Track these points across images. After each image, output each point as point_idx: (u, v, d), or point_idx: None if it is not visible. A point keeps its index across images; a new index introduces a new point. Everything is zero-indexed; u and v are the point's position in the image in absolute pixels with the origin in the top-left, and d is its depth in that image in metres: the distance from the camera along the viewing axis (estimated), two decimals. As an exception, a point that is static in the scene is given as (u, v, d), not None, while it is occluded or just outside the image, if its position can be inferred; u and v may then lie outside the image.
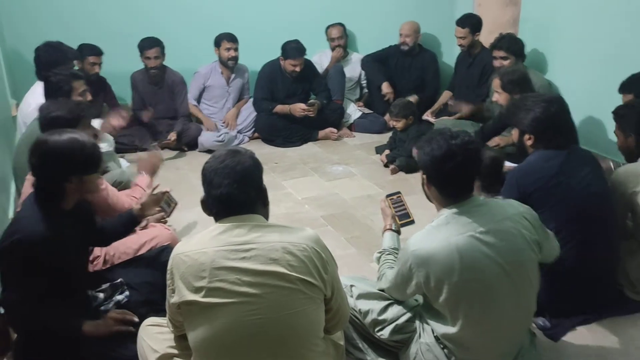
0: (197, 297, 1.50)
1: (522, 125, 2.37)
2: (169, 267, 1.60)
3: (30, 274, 1.84)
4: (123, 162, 3.62)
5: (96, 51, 4.21)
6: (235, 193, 1.58)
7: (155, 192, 2.38)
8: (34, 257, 1.82)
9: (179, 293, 1.54)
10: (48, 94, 2.97)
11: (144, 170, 2.81)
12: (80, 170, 1.91)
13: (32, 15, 4.54)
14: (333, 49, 5.02)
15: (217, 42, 4.56)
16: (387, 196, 2.34)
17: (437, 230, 1.76)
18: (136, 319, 2.00)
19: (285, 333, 1.52)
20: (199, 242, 1.57)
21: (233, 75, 4.71)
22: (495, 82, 3.38)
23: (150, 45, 4.36)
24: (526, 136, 2.36)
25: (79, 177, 1.91)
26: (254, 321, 1.49)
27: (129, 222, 2.32)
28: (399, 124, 4.09)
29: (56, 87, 2.91)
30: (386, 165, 4.06)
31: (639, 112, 2.48)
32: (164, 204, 2.39)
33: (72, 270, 2.03)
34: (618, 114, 2.54)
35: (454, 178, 1.77)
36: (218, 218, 1.61)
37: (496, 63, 3.96)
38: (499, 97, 3.38)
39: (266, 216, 1.68)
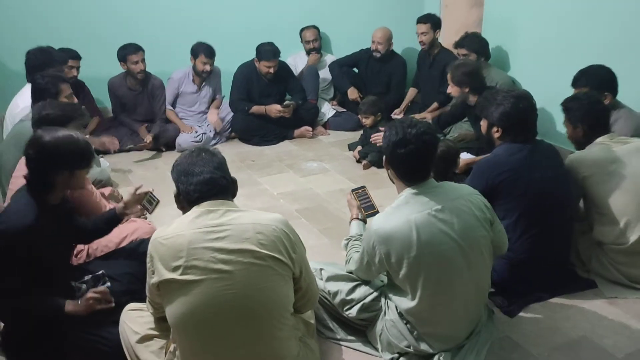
0: (175, 275, 1.62)
1: (492, 118, 2.49)
2: (148, 250, 1.72)
3: (12, 265, 1.93)
4: (103, 162, 3.72)
5: (74, 54, 4.28)
6: (216, 178, 1.76)
7: (138, 192, 2.47)
8: (20, 246, 1.91)
9: (158, 273, 1.66)
10: (35, 96, 3.05)
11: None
12: (72, 164, 2.04)
13: (11, 19, 4.60)
14: (307, 51, 5.16)
15: (195, 53, 4.61)
16: (353, 190, 2.51)
17: (397, 210, 1.91)
18: (112, 303, 2.09)
19: (256, 307, 1.65)
20: (177, 226, 1.70)
21: (204, 82, 4.81)
22: (448, 76, 3.53)
23: (135, 49, 4.42)
24: (494, 129, 2.50)
25: (70, 172, 2.04)
26: (228, 296, 1.62)
27: (112, 220, 2.43)
28: (368, 121, 4.24)
29: (43, 89, 2.99)
30: (359, 161, 4.20)
31: (586, 104, 2.63)
32: (146, 202, 2.49)
33: (55, 263, 2.12)
34: (566, 106, 2.69)
35: (407, 162, 1.93)
36: (195, 204, 1.74)
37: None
38: (451, 89, 3.54)
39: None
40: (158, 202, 2.52)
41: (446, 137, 4.01)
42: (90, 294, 2.09)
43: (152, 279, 1.70)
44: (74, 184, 2.12)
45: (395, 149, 1.92)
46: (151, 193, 2.49)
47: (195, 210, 1.72)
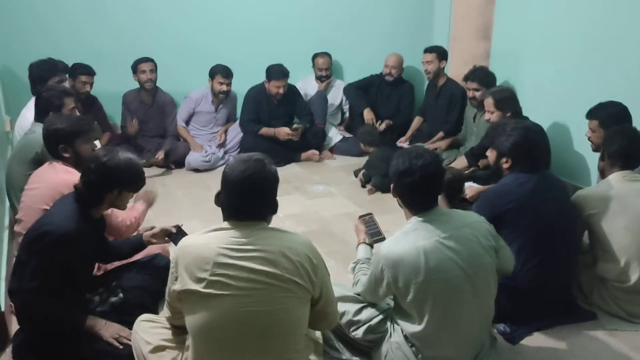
0: (199, 287, 1.67)
1: (502, 148, 2.54)
2: (174, 257, 1.76)
3: (50, 265, 2.02)
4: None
5: (88, 70, 4.36)
6: (251, 206, 1.76)
7: (169, 226, 2.52)
8: (60, 249, 2.01)
9: (182, 281, 1.71)
10: (39, 109, 3.10)
11: (142, 199, 2.96)
12: (125, 185, 2.18)
13: (25, 35, 4.71)
14: (319, 77, 5.27)
15: (212, 74, 4.76)
16: (360, 217, 2.58)
17: (406, 236, 1.97)
18: (131, 343, 2.09)
19: (273, 326, 1.70)
20: (205, 238, 1.75)
21: (222, 104, 4.92)
22: (488, 102, 3.55)
23: (146, 59, 4.58)
24: (504, 159, 2.55)
25: (120, 192, 2.18)
26: (247, 313, 1.67)
27: (136, 247, 2.51)
28: (369, 149, 4.40)
29: (48, 103, 3.05)
30: (364, 186, 4.27)
31: (621, 134, 2.64)
32: (177, 235, 2.49)
33: (82, 274, 2.21)
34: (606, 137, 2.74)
35: (412, 192, 2.01)
36: (227, 219, 1.78)
37: (469, 94, 4.22)
38: (491, 115, 3.56)
39: (269, 221, 1.86)
40: (186, 235, 2.50)
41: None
42: (118, 330, 2.15)
43: (174, 285, 1.75)
44: (118, 203, 2.25)
45: (401, 179, 1.99)
46: (180, 227, 2.52)
47: (227, 224, 1.76)
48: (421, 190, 2.00)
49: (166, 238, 2.52)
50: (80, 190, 2.15)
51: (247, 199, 1.75)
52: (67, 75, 4.12)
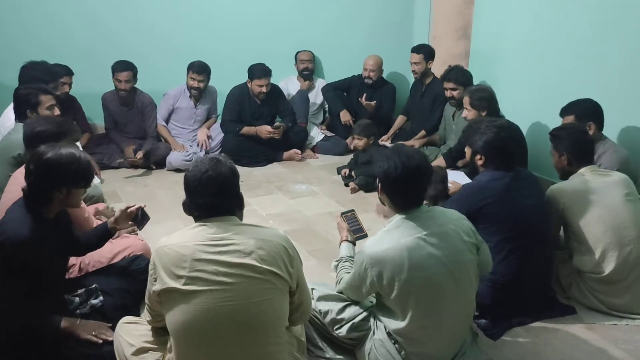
0: (178, 285, 1.68)
1: (476, 146, 2.59)
2: (152, 258, 1.78)
3: (13, 274, 1.96)
4: (94, 178, 3.74)
5: (66, 71, 4.32)
6: (216, 201, 1.79)
7: (130, 209, 2.45)
8: (17, 258, 1.95)
9: (161, 281, 1.71)
10: (16, 106, 3.05)
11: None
12: (71, 182, 2.06)
13: (4, 34, 4.66)
14: (300, 71, 5.28)
15: (188, 69, 4.72)
16: (342, 213, 2.59)
17: (389, 234, 1.98)
18: (110, 339, 2.08)
19: (253, 319, 1.72)
20: (181, 237, 1.76)
21: (201, 100, 4.89)
22: (465, 100, 3.60)
23: (122, 68, 4.50)
24: (477, 156, 2.60)
25: (68, 189, 2.07)
26: (227, 307, 1.68)
27: (103, 235, 2.45)
28: (361, 143, 4.30)
29: (24, 100, 2.99)
30: (346, 185, 4.28)
31: (572, 133, 2.74)
32: (138, 218, 2.47)
33: (51, 275, 2.15)
34: (554, 134, 2.80)
35: (405, 193, 2.02)
36: (199, 219, 1.80)
37: (447, 93, 4.25)
38: (468, 113, 3.62)
39: (240, 217, 1.89)
40: (149, 218, 2.51)
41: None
42: (96, 327, 2.12)
43: (153, 286, 1.75)
44: (70, 202, 2.14)
45: (395, 182, 1.98)
46: (143, 209, 2.49)
47: (200, 223, 1.78)
48: (416, 190, 2.01)
49: (130, 222, 2.46)
50: (25, 192, 2.07)
51: (209, 195, 1.78)
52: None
